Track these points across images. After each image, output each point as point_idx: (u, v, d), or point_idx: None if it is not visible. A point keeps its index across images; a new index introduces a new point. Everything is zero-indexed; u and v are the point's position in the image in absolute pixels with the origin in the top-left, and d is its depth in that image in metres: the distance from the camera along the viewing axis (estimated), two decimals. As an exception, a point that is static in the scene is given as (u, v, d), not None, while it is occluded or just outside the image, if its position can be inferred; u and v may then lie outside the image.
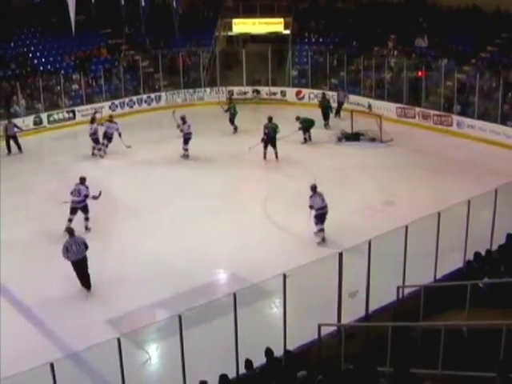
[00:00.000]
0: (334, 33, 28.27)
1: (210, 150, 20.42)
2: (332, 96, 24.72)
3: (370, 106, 24.16)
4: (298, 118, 20.86)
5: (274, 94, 27.28)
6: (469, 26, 24.24)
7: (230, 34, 29.76)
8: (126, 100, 25.99)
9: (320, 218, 13.73)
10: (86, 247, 11.88)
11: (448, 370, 7.56)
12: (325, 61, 26.54)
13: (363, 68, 25.32)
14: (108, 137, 20.30)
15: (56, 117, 24.17)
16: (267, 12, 28.91)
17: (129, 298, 11.62)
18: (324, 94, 24.21)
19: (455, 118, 22.18)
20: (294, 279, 8.83)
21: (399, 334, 8.55)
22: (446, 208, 10.83)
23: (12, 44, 25.85)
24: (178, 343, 7.96)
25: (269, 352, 8.23)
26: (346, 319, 9.79)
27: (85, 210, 14.60)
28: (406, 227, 10.14)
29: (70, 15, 24.17)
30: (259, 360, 8.27)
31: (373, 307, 10.19)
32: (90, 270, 12.15)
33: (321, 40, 28.42)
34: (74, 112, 24.54)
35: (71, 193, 14.55)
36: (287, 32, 28.86)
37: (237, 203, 16.10)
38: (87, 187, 14.57)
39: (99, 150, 20.20)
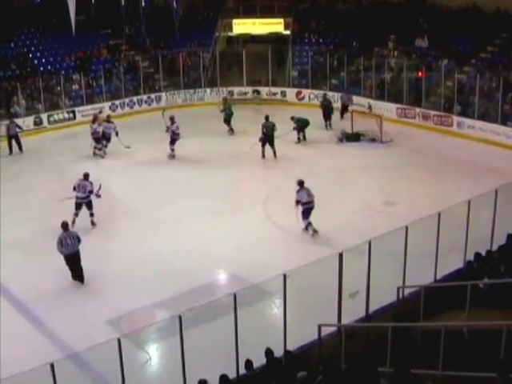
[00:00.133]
0: (334, 33, 28.25)
1: (210, 150, 20.44)
2: (333, 96, 24.71)
3: (370, 107, 24.13)
4: (292, 118, 20.98)
5: (275, 94, 27.28)
6: (469, 27, 24.23)
7: (230, 34, 29.79)
8: (127, 100, 25.99)
9: (306, 212, 13.97)
10: (79, 241, 12.13)
11: (448, 370, 7.56)
12: (325, 61, 26.49)
13: (363, 68, 25.31)
14: (106, 137, 20.36)
15: (56, 117, 24.18)
16: (267, 12, 28.93)
17: (129, 298, 11.61)
18: (325, 95, 24.18)
19: (455, 118, 22.18)
20: (294, 279, 8.84)
21: (399, 335, 8.56)
22: (446, 208, 10.83)
23: (12, 44, 25.84)
24: (178, 343, 7.96)
25: (269, 352, 8.23)
26: (347, 319, 9.78)
27: (89, 205, 14.80)
28: (406, 227, 10.14)
29: (71, 15, 24.17)
30: (259, 360, 8.27)
31: (373, 307, 10.18)
32: (90, 270, 12.17)
33: (321, 40, 28.40)
34: (74, 112, 24.55)
35: (74, 188, 14.71)
36: (287, 32, 28.89)
37: (237, 203, 16.10)
38: (91, 183, 14.76)
39: (99, 149, 20.25)
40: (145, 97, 26.51)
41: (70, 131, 23.50)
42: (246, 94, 27.47)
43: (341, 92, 24.87)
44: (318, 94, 25.77)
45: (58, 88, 24.62)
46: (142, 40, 28.53)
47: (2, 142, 20.91)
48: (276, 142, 19.44)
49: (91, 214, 14.84)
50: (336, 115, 23.36)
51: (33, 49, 26.17)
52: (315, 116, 22.56)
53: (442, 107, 22.79)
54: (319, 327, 9.00)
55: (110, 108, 25.10)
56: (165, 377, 9.74)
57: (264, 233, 14.36)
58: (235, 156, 19.81)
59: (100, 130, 20.19)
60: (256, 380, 8.09)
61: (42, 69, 25.46)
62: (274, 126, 19.43)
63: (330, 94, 24.88)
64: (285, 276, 8.67)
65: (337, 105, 24.20)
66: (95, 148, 20.26)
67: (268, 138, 19.35)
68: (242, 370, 8.35)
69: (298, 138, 21.15)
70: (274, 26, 29.06)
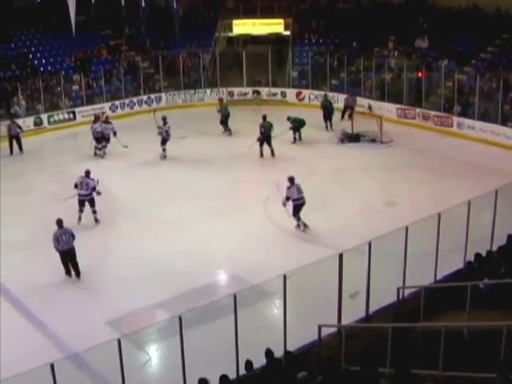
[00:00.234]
0: (335, 33, 28.25)
1: (210, 151, 20.46)
2: (333, 97, 24.69)
3: (370, 107, 24.11)
4: (288, 118, 21.08)
5: (275, 94, 27.27)
6: (469, 27, 24.22)
7: (230, 34, 29.79)
8: (127, 101, 25.98)
9: (297, 208, 14.29)
10: (74, 238, 12.39)
11: (448, 370, 7.55)
12: (325, 62, 26.46)
13: (363, 69, 25.29)
14: (105, 138, 20.38)
15: (56, 117, 24.18)
16: (267, 13, 28.92)
17: (129, 298, 11.62)
18: (326, 96, 24.15)
19: (455, 118, 22.17)
20: (294, 280, 8.84)
21: (399, 335, 8.55)
22: (446, 209, 10.83)
23: (12, 45, 25.83)
24: (179, 344, 7.96)
25: (269, 353, 8.23)
26: (347, 320, 9.79)
27: (92, 202, 14.95)
28: (407, 228, 10.14)
29: (71, 16, 24.14)
30: (259, 361, 8.27)
31: (373, 308, 10.18)
32: (90, 271, 12.18)
33: (321, 41, 28.40)
34: (74, 113, 24.55)
35: (75, 185, 14.86)
36: (287, 33, 28.89)
37: (237, 204, 16.10)
38: (93, 179, 14.89)
39: (100, 149, 20.28)
40: (145, 97, 26.50)
41: (70, 132, 23.48)
42: (246, 94, 27.46)
43: (346, 93, 24.59)
44: (318, 94, 25.76)
45: (58, 88, 24.62)
46: (142, 40, 28.52)
47: (3, 143, 20.93)
48: (273, 141, 19.59)
49: (94, 212, 14.98)
50: (336, 116, 23.32)
51: (33, 49, 26.17)
52: (315, 116, 22.56)
53: (442, 108, 22.78)
54: (319, 328, 8.99)
55: (110, 108, 25.10)
56: (165, 377, 9.74)
57: (264, 233, 14.35)
58: (235, 156, 19.82)
59: (100, 130, 20.23)
60: (256, 380, 8.09)
61: (42, 69, 25.46)
62: (271, 125, 19.63)
63: (330, 94, 24.84)
64: (285, 276, 8.67)
65: (337, 105, 24.11)
66: (96, 148, 20.29)
67: (266, 137, 19.54)
68: (242, 371, 8.34)
69: (294, 138, 21.23)
70: (274, 26, 29.06)
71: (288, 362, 8.30)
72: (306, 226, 14.37)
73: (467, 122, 21.76)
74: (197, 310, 9.63)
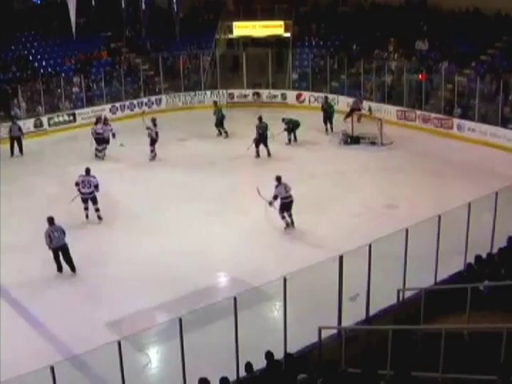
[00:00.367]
0: (335, 36, 28.29)
1: (210, 153, 20.48)
2: (333, 99, 24.68)
3: (370, 109, 24.13)
4: (283, 119, 21.20)
5: (275, 96, 27.31)
6: (469, 29, 24.26)
7: (230, 37, 29.79)
8: (127, 103, 26.02)
9: (284, 207, 14.43)
10: (64, 234, 12.57)
11: (449, 373, 7.54)
12: (325, 64, 26.53)
13: (364, 71, 25.32)
14: (105, 139, 20.39)
15: (56, 120, 24.21)
16: (267, 15, 28.96)
17: (129, 300, 11.61)
18: (326, 98, 24.14)
19: (456, 121, 22.18)
20: (294, 282, 8.83)
21: (400, 337, 8.54)
22: (446, 211, 10.82)
23: (13, 47, 25.89)
24: (179, 346, 7.94)
25: (269, 355, 8.21)
26: (347, 322, 9.77)
27: (94, 200, 15.07)
28: (407, 230, 10.13)
29: (71, 18, 24.21)
30: (260, 363, 8.25)
31: (373, 310, 10.16)
32: (90, 273, 12.16)
33: (321, 43, 28.45)
34: (74, 115, 24.58)
35: (77, 184, 15.00)
36: (288, 35, 28.92)
37: (237, 206, 16.08)
38: (94, 177, 15.05)
39: (100, 151, 20.30)
40: (145, 99, 26.53)
41: (71, 133, 23.52)
42: (246, 96, 27.49)
43: (354, 97, 24.44)
44: (318, 96, 25.77)
45: (59, 90, 24.67)
46: (142, 43, 28.58)
47: (3, 144, 20.93)
48: (269, 142, 19.87)
49: (97, 209, 15.09)
50: (338, 119, 23.26)
51: (33, 51, 26.24)
52: (315, 118, 22.56)
53: (443, 110, 22.80)
54: (319, 330, 8.97)
55: (110, 110, 25.15)
56: (165, 379, 9.72)
57: (264, 236, 14.35)
58: (234, 158, 19.84)
59: (101, 131, 20.28)
60: (256, 382, 8.09)
61: (42, 71, 25.52)
62: (267, 126, 19.98)
63: (330, 96, 24.81)
64: (285, 279, 8.66)
65: (338, 108, 24.10)
66: (96, 150, 20.31)
67: (262, 138, 19.85)
68: (243, 373, 8.33)
69: (289, 140, 21.37)
70: (275, 28, 29.08)
71: (288, 364, 8.29)
72: (288, 225, 14.49)
73: (467, 124, 21.77)
74: (197, 312, 9.63)
